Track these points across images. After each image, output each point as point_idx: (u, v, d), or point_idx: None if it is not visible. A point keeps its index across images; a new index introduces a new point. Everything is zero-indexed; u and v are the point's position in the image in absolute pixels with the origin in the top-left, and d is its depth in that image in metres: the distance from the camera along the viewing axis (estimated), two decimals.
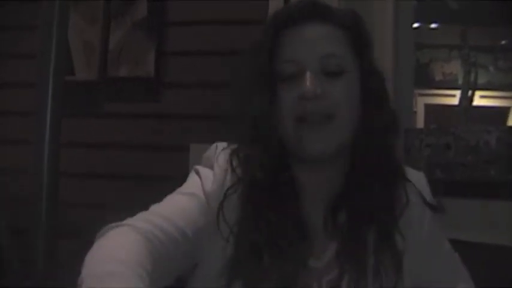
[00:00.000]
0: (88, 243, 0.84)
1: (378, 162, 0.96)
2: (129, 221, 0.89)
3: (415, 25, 2.10)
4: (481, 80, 3.84)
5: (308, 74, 0.93)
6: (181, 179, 1.05)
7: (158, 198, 1.06)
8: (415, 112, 3.75)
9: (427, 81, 4.10)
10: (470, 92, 3.49)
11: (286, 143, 0.96)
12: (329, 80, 0.94)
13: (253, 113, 0.96)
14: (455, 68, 4.10)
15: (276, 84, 0.96)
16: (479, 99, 3.79)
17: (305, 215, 0.97)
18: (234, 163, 0.98)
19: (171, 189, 1.02)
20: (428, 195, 1.04)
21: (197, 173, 1.01)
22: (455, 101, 3.78)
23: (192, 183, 1.00)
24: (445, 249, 1.09)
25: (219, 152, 1.00)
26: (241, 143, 0.99)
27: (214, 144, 1.03)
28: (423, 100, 4.09)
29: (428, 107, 4.09)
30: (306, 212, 0.98)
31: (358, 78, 0.98)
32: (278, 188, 0.95)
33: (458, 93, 3.66)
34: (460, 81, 3.81)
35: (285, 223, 0.94)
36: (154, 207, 0.95)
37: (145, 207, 0.96)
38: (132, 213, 0.92)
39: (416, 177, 1.05)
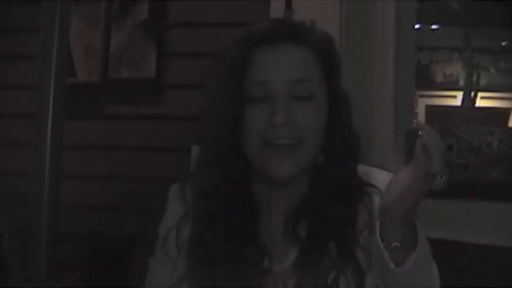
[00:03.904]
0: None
1: (337, 182, 0.98)
2: None
3: (416, 26, 2.09)
4: (482, 82, 3.83)
5: (278, 101, 0.93)
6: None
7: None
8: (416, 113, 3.75)
9: (428, 82, 4.09)
10: (472, 94, 3.49)
11: (252, 162, 0.98)
12: (298, 104, 0.95)
13: (217, 131, 0.98)
14: (456, 69, 4.09)
15: (244, 103, 0.96)
16: (481, 101, 3.78)
17: (263, 223, 1.00)
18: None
19: None
20: None
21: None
22: (456, 102, 3.78)
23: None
24: None
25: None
26: (202, 157, 1.03)
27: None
28: (424, 101, 4.08)
29: (429, 108, 4.08)
30: (265, 221, 1.00)
31: (326, 100, 0.98)
32: (235, 199, 0.98)
33: (459, 94, 3.66)
34: (461, 83, 3.80)
35: (241, 230, 0.97)
36: None
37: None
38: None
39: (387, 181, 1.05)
